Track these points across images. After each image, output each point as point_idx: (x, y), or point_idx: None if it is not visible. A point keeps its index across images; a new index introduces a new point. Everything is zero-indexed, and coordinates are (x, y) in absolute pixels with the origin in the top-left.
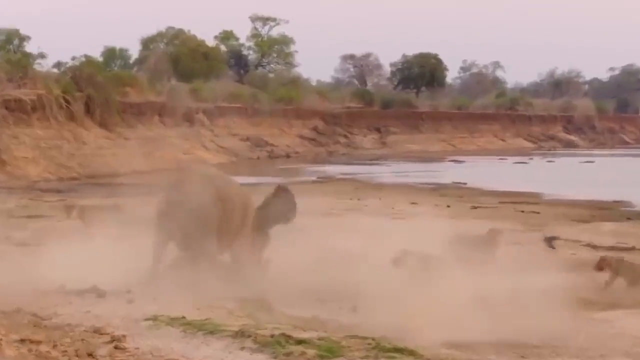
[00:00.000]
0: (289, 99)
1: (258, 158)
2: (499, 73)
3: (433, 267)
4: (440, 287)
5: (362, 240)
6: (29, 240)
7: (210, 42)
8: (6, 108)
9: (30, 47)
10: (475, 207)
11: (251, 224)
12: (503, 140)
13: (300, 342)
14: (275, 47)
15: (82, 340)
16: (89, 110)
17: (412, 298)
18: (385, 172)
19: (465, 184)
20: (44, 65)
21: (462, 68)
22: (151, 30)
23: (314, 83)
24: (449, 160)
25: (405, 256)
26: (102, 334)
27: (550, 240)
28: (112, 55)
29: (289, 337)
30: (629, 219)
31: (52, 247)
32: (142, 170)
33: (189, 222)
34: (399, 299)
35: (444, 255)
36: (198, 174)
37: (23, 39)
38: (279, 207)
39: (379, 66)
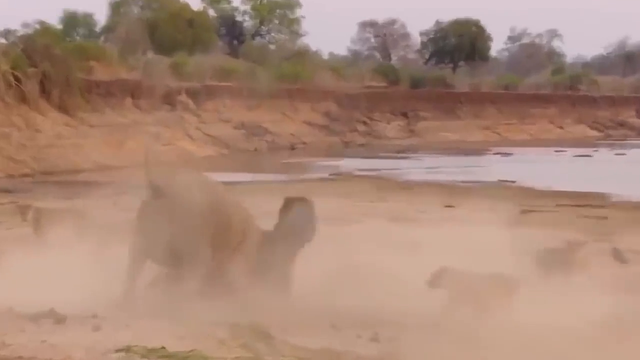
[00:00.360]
0: (294, 76)
1: (255, 150)
2: (557, 44)
3: (483, 288)
4: (492, 314)
5: (387, 254)
6: None
7: (196, 6)
8: None
9: None
10: (527, 212)
11: (256, 242)
12: (561, 127)
13: None
14: (277, 12)
15: None
16: (44, 91)
17: (452, 326)
18: (414, 168)
19: (513, 182)
20: None
21: (510, 38)
22: None
23: (325, 57)
24: (494, 153)
25: (444, 275)
26: None
27: (620, 253)
28: (73, 22)
29: None
30: None
31: (0, 260)
32: (111, 165)
33: (176, 233)
34: (434, 327)
35: (499, 274)
36: (188, 176)
37: None
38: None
39: (406, 36)
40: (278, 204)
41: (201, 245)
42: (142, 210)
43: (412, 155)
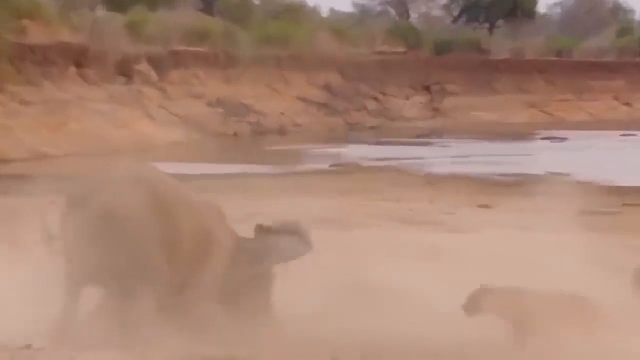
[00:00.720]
0: (284, 39)
1: (235, 134)
2: None
3: (551, 312)
4: (570, 348)
5: (403, 268)
6: None
7: None
8: None
9: None
10: (585, 213)
11: (227, 254)
12: (628, 104)
13: None
14: None
15: None
16: None
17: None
18: (438, 157)
19: (567, 175)
20: None
21: None
22: None
23: (324, 14)
24: (542, 138)
25: (488, 295)
26: None
27: None
28: None
29: None
30: None
31: None
32: (49, 153)
33: (115, 251)
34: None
35: (572, 294)
36: (126, 175)
37: None
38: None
39: None
40: (263, 203)
41: (149, 260)
42: (61, 225)
43: (437, 140)
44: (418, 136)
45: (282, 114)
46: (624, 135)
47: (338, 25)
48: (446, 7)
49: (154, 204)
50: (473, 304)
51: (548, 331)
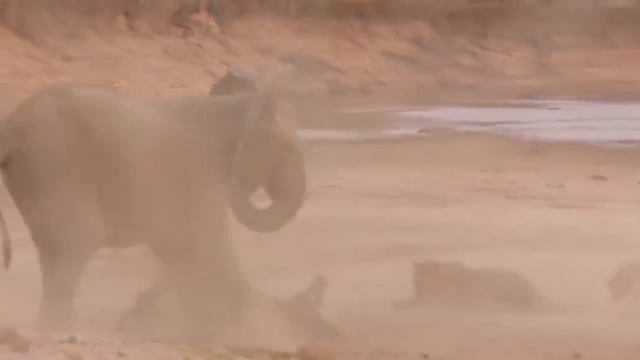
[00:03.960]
0: None
1: (310, 94)
2: None
3: None
4: None
5: (506, 248)
6: None
7: None
8: None
9: None
10: None
11: (217, 194)
12: None
13: None
14: None
15: None
16: None
17: None
18: (546, 121)
19: None
20: None
21: None
22: None
23: None
24: None
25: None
26: None
27: None
28: None
29: None
30: None
31: None
32: None
33: (42, 207)
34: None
35: None
36: (48, 109)
37: None
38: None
39: None
40: (339, 174)
41: (76, 214)
42: None
43: (544, 102)
44: (522, 96)
45: (365, 71)
46: None
47: None
48: None
49: (85, 144)
50: (622, 283)
51: None
